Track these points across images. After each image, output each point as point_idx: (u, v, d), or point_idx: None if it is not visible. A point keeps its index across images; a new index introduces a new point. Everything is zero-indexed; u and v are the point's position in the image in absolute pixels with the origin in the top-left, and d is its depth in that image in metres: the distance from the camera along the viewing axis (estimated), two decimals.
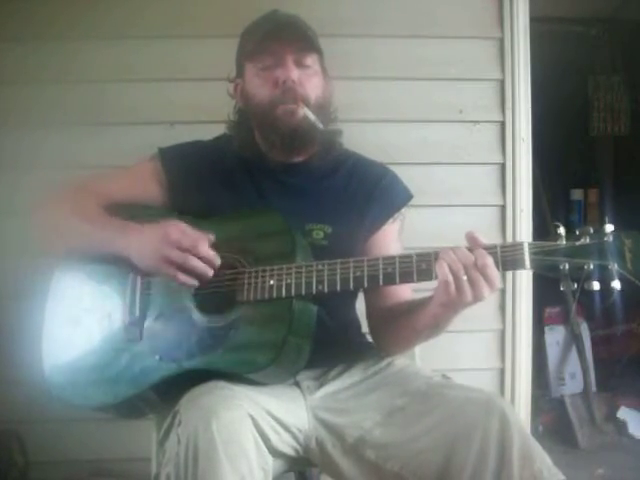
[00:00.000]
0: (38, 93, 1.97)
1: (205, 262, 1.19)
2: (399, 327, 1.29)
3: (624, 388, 2.88)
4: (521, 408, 2.08)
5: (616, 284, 1.05)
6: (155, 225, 1.23)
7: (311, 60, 1.35)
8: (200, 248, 1.18)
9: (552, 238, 1.08)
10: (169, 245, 1.18)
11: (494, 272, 1.07)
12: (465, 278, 1.07)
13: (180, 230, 1.20)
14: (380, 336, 1.37)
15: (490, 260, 1.06)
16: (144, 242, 1.22)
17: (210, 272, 1.20)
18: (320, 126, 1.33)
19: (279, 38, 1.31)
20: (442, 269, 1.07)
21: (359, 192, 1.39)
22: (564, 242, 1.07)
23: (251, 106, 1.37)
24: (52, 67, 1.98)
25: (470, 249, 1.09)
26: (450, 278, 1.07)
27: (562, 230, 1.08)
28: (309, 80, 1.34)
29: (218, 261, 1.20)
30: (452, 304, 1.10)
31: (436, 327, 1.20)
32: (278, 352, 1.13)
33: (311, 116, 1.31)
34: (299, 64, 1.33)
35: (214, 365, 1.16)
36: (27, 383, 1.65)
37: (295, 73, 1.31)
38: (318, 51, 1.37)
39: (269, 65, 1.33)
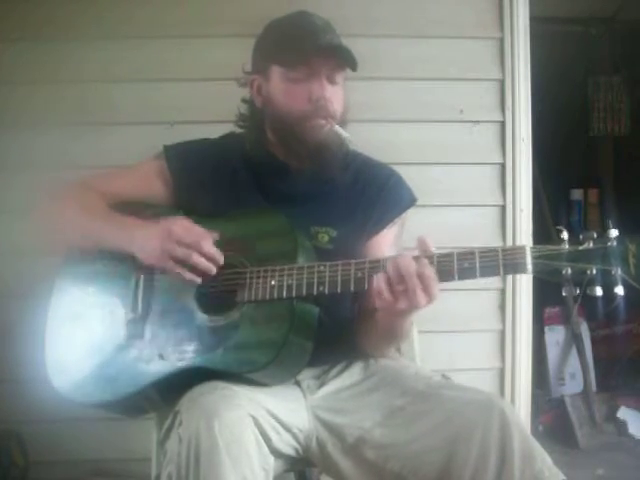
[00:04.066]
0: (36, 93, 1.97)
1: (208, 259, 1.19)
2: (368, 329, 1.30)
3: (624, 388, 2.88)
4: (521, 408, 2.07)
5: (619, 290, 1.04)
6: (159, 221, 1.23)
7: (340, 77, 1.33)
8: (204, 245, 1.18)
9: (554, 242, 1.07)
10: (173, 241, 1.18)
11: (433, 282, 1.06)
12: (401, 288, 1.06)
13: (184, 227, 1.20)
14: (358, 337, 1.36)
15: (430, 271, 1.06)
16: (148, 238, 1.22)
17: (213, 269, 1.20)
18: (351, 140, 1.33)
19: (319, 53, 1.28)
20: (377, 278, 1.08)
21: (364, 195, 1.38)
22: (567, 246, 1.05)
23: (275, 112, 1.33)
24: (49, 67, 1.97)
25: (416, 257, 1.08)
26: (382, 286, 1.07)
27: (565, 234, 1.06)
28: (337, 96, 1.32)
29: (221, 259, 1.20)
30: (390, 310, 1.10)
31: (391, 331, 1.23)
32: (278, 351, 1.13)
33: (343, 133, 1.31)
34: (331, 80, 1.31)
35: (214, 364, 1.16)
36: (27, 383, 1.65)
37: (329, 91, 1.30)
38: (346, 68, 1.35)
39: (301, 77, 1.29)
